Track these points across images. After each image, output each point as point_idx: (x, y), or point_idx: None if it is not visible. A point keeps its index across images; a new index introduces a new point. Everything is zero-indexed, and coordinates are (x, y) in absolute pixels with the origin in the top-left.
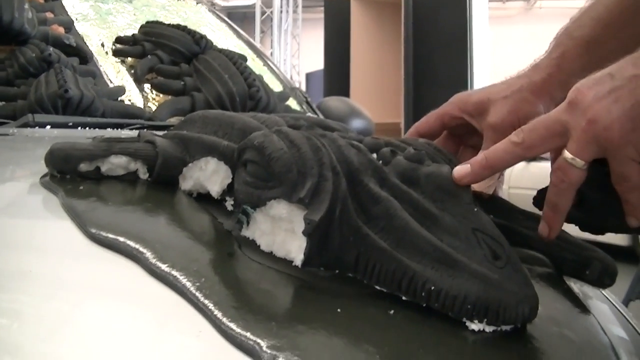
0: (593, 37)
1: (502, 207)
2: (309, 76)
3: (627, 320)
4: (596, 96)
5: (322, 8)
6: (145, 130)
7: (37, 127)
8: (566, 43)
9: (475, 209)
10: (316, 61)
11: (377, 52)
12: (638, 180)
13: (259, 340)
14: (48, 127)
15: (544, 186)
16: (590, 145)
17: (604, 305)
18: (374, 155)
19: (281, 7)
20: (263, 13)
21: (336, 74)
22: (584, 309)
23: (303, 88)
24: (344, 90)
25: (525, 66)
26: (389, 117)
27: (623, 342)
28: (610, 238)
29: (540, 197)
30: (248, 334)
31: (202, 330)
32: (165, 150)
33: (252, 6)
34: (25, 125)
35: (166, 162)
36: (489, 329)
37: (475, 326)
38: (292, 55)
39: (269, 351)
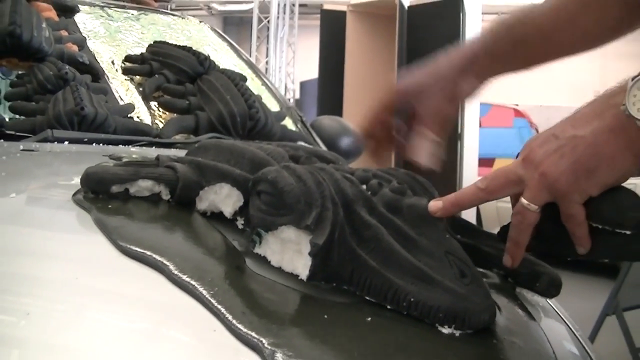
0: (521, 37)
1: (469, 228)
2: (303, 85)
3: (569, 327)
4: (545, 153)
5: (319, 15)
6: (154, 147)
7: (55, 142)
8: (498, 30)
9: (447, 235)
10: (311, 70)
11: (371, 63)
12: (582, 218)
13: (262, 339)
14: (66, 142)
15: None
16: (542, 193)
17: (549, 314)
18: (364, 187)
19: (278, 13)
20: (260, 21)
21: (330, 83)
22: (531, 318)
23: (297, 96)
24: (338, 100)
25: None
26: None
27: (563, 347)
28: None
29: (503, 232)
30: (253, 333)
31: (216, 330)
32: (185, 176)
33: (249, 11)
34: (45, 140)
35: (186, 185)
36: (456, 332)
37: (445, 330)
38: (287, 64)
39: (269, 347)
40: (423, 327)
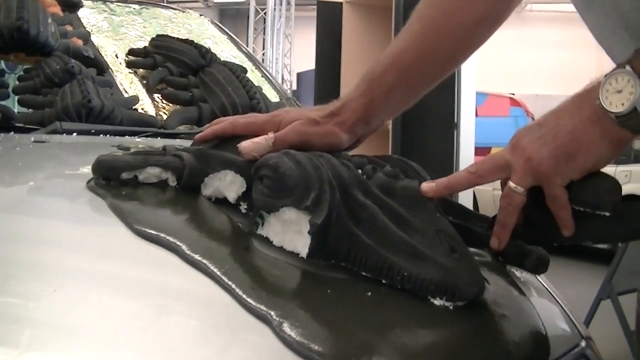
0: (393, 84)
1: (461, 210)
2: (300, 76)
3: (558, 302)
4: (530, 140)
5: (315, 6)
6: (159, 137)
7: (64, 134)
8: (374, 89)
9: (438, 214)
10: (308, 61)
11: (367, 54)
12: (565, 200)
13: (270, 311)
14: (74, 134)
15: None
16: (527, 177)
17: (539, 290)
18: (360, 172)
19: (274, 5)
20: (257, 13)
21: (327, 74)
22: (522, 293)
23: (294, 87)
24: (335, 91)
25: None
26: None
27: (552, 320)
28: None
29: (493, 221)
30: (262, 306)
31: (228, 304)
32: (191, 163)
33: (245, 3)
34: (54, 132)
35: (192, 172)
36: (447, 304)
37: (437, 302)
38: (284, 55)
39: (277, 319)
40: (419, 300)
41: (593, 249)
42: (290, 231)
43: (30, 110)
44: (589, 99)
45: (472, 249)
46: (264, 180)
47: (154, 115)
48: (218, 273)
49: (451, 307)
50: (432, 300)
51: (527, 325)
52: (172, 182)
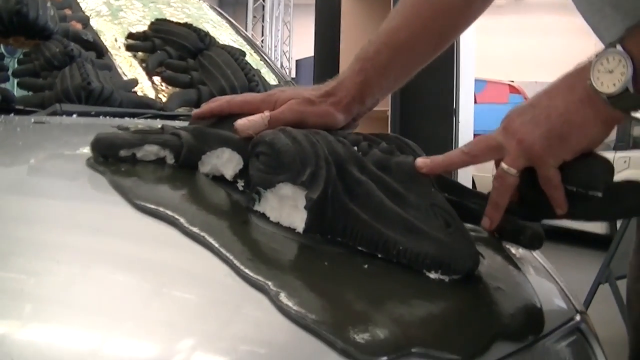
0: (387, 63)
1: (455, 187)
2: (299, 63)
3: (552, 276)
4: (522, 122)
5: None
6: (158, 119)
7: (64, 115)
8: (368, 69)
9: (433, 189)
10: (306, 48)
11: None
12: (557, 181)
13: (267, 281)
14: (74, 115)
15: None
16: (520, 159)
17: (534, 266)
18: (355, 148)
19: None
20: (256, 0)
21: (326, 61)
22: (515, 266)
23: (293, 75)
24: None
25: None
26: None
27: (546, 293)
28: (590, 228)
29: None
30: (260, 277)
31: (227, 275)
32: (189, 141)
33: None
34: (54, 113)
35: (189, 150)
36: (443, 277)
37: (433, 275)
38: (282, 42)
39: (274, 289)
40: (415, 273)
41: (591, 235)
42: (286, 206)
43: (30, 93)
44: (581, 78)
45: (467, 225)
46: (260, 157)
47: (153, 98)
48: (216, 245)
49: (447, 280)
50: (427, 273)
51: (522, 299)
52: (170, 159)
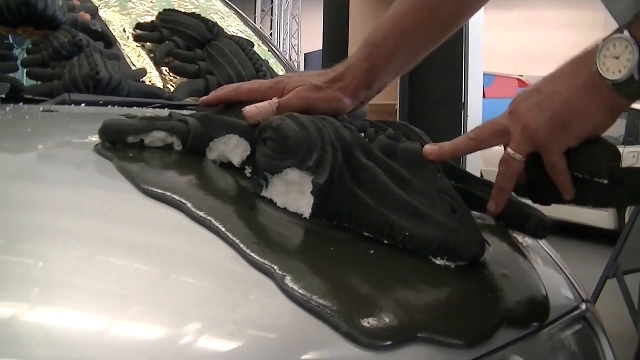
0: (395, 49)
1: (462, 175)
2: (307, 56)
3: (558, 264)
4: (527, 107)
5: None
6: (166, 109)
7: (72, 105)
8: (375, 55)
9: (439, 175)
10: (315, 42)
11: None
12: (563, 167)
13: (274, 265)
14: (82, 105)
15: None
16: (525, 144)
17: (540, 253)
18: (362, 135)
19: None
20: None
21: (335, 55)
22: (522, 254)
23: (302, 68)
24: None
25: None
26: (384, 99)
27: (552, 281)
28: (598, 222)
29: None
30: (266, 261)
31: (233, 258)
32: (196, 128)
33: None
34: (63, 102)
35: (197, 136)
36: (449, 264)
37: (439, 262)
38: (291, 36)
39: (280, 273)
40: (421, 259)
41: (599, 229)
42: (293, 192)
43: (39, 82)
44: (586, 63)
45: (473, 213)
46: (267, 142)
47: (162, 88)
48: (223, 229)
49: (453, 267)
50: (433, 259)
51: (528, 286)
52: (178, 146)
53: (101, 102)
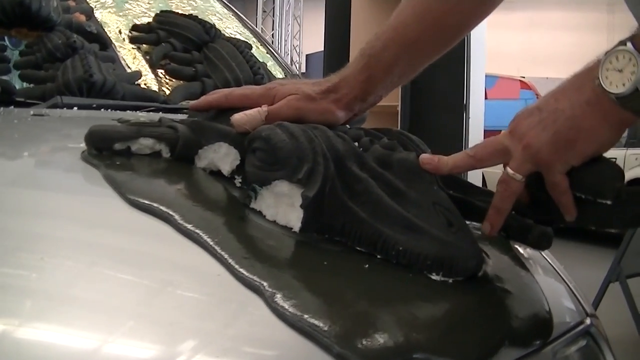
0: (394, 60)
1: (461, 183)
2: (309, 57)
3: (561, 277)
4: (529, 126)
5: None
6: (160, 112)
7: (65, 108)
8: (373, 66)
9: (435, 187)
10: (317, 43)
11: None
12: (565, 187)
13: (263, 282)
14: (75, 108)
15: None
16: (526, 164)
17: (542, 266)
18: (356, 144)
19: None
20: None
21: (336, 55)
22: (523, 267)
23: (303, 69)
24: None
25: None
26: (385, 100)
27: (555, 295)
28: None
29: None
30: (255, 277)
31: (220, 274)
32: (185, 135)
33: None
34: (55, 106)
35: (186, 144)
36: (449, 280)
37: (435, 277)
38: (293, 37)
39: (270, 289)
40: (417, 273)
41: (602, 232)
42: (283, 204)
43: (32, 85)
44: (589, 78)
45: (473, 224)
46: (256, 153)
47: (157, 91)
48: (210, 243)
49: (450, 281)
50: (429, 275)
51: (530, 301)
52: (166, 153)
53: (94, 106)
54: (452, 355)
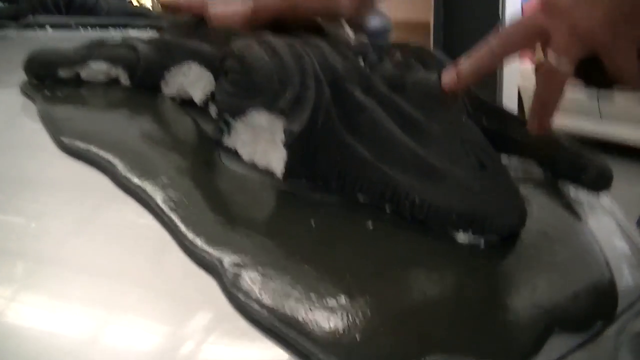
0: None
1: (495, 112)
2: None
3: (623, 230)
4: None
5: None
6: (149, 30)
7: (37, 29)
8: None
9: (464, 118)
10: None
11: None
12: (634, 72)
13: (221, 257)
14: (48, 28)
15: None
16: (575, 48)
17: (602, 218)
18: (361, 62)
19: None
20: None
21: None
22: (578, 220)
23: None
24: None
25: None
26: (415, 13)
27: (619, 257)
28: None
29: None
30: (210, 249)
31: (164, 246)
32: (147, 55)
33: None
34: (27, 26)
35: (148, 67)
36: (475, 242)
37: (461, 238)
38: None
39: (230, 269)
40: (437, 236)
41: None
42: (262, 141)
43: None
44: None
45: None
46: (228, 75)
47: (150, 8)
48: (157, 201)
49: (481, 246)
50: (453, 235)
51: (587, 268)
52: (125, 80)
53: (72, 25)
54: (482, 355)
